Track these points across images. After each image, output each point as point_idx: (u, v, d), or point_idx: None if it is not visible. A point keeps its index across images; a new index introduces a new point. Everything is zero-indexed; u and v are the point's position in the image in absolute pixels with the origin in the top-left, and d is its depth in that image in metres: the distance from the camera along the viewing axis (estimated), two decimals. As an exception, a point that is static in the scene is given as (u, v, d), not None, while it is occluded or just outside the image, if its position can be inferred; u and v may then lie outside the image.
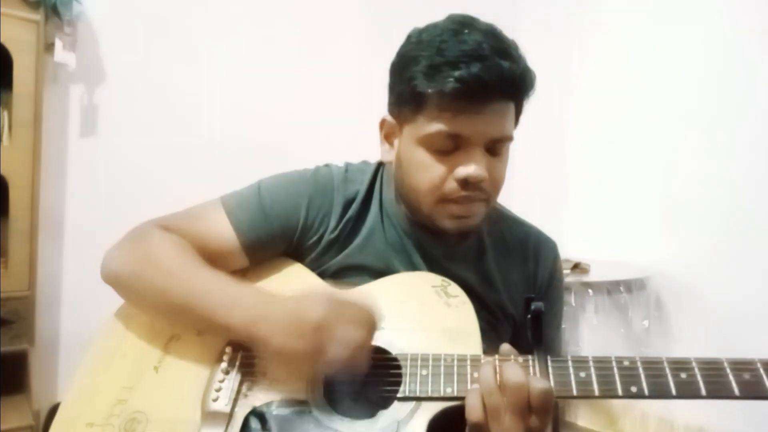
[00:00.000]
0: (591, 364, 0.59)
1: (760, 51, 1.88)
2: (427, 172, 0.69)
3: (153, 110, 1.89)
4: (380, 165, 0.84)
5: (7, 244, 1.53)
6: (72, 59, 1.65)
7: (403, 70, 0.71)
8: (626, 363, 0.58)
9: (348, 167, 0.83)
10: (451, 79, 0.64)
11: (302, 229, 0.76)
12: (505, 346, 0.64)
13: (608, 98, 2.33)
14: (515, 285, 0.82)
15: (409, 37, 0.73)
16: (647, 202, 2.19)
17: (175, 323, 0.71)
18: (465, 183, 0.68)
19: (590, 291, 1.92)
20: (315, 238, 0.77)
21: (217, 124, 2.00)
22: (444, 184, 0.69)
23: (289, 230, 0.76)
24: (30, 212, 1.55)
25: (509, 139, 0.71)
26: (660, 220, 2.14)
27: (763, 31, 1.87)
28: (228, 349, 0.68)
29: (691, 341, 2.01)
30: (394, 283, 0.74)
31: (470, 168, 0.67)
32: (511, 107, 0.70)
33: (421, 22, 0.74)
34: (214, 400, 0.64)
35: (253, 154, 2.05)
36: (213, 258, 0.72)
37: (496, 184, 0.72)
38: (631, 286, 1.98)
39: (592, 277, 1.98)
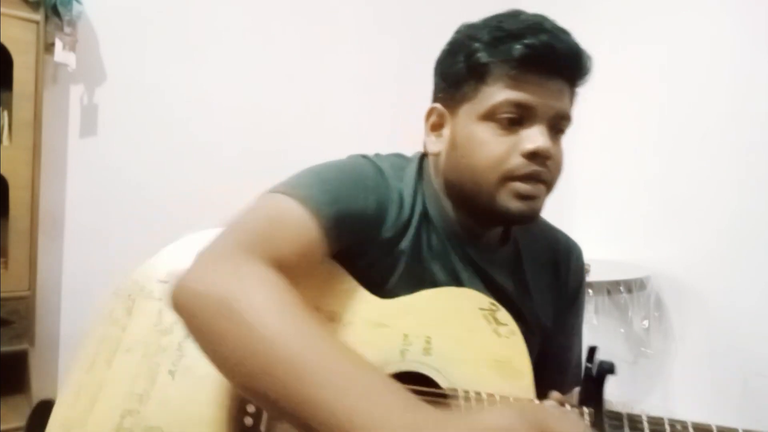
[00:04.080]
0: (645, 424, 0.57)
1: (763, 51, 1.88)
2: (490, 148, 0.65)
3: (153, 110, 1.89)
4: (420, 161, 0.76)
5: (7, 244, 1.53)
6: (72, 59, 1.65)
7: (458, 51, 0.68)
8: (678, 427, 0.57)
9: (391, 162, 0.73)
10: (519, 47, 0.62)
11: (367, 220, 0.67)
12: (555, 395, 0.61)
13: (609, 98, 2.32)
14: (546, 292, 0.79)
15: (458, 30, 0.71)
16: (648, 202, 2.18)
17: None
18: (533, 156, 0.64)
19: (590, 291, 1.92)
20: (371, 235, 0.68)
21: (216, 124, 2.01)
22: (508, 159, 0.64)
23: (355, 216, 0.65)
24: (30, 212, 1.55)
25: (570, 119, 0.68)
26: (660, 220, 2.14)
27: (766, 30, 1.87)
28: None
29: (691, 341, 2.01)
30: (439, 299, 0.67)
31: (538, 140, 0.63)
32: (568, 93, 0.68)
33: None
34: (248, 424, 0.56)
35: (253, 154, 2.06)
36: (297, 263, 0.59)
37: (558, 168, 0.68)
38: (631, 286, 1.98)
39: (592, 277, 1.98)
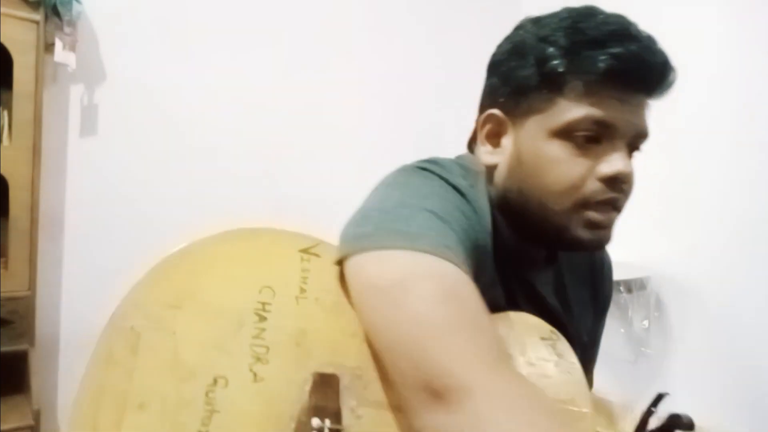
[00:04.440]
0: None
1: (765, 51, 1.88)
2: (565, 170, 0.57)
3: (153, 110, 1.89)
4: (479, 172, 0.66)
5: (7, 244, 1.53)
6: (72, 59, 1.65)
7: (527, 53, 0.60)
8: None
9: (459, 174, 0.62)
10: (605, 57, 0.55)
11: (479, 252, 0.58)
12: None
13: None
14: (585, 307, 0.75)
15: (520, 26, 0.63)
16: (647, 202, 2.18)
17: None
18: (612, 182, 0.57)
19: (590, 291, 1.92)
20: (481, 268, 0.57)
21: (217, 124, 2.01)
22: (585, 183, 0.57)
23: (473, 250, 0.56)
24: (30, 212, 1.55)
25: (648, 136, 0.61)
26: (660, 220, 2.14)
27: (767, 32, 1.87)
28: (315, 423, 0.46)
29: (691, 341, 2.01)
30: (502, 326, 0.60)
31: (618, 164, 0.57)
32: (646, 107, 0.62)
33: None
34: None
35: (253, 155, 2.06)
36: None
37: (631, 190, 0.61)
38: (631, 286, 1.98)
39: (593, 277, 1.98)
